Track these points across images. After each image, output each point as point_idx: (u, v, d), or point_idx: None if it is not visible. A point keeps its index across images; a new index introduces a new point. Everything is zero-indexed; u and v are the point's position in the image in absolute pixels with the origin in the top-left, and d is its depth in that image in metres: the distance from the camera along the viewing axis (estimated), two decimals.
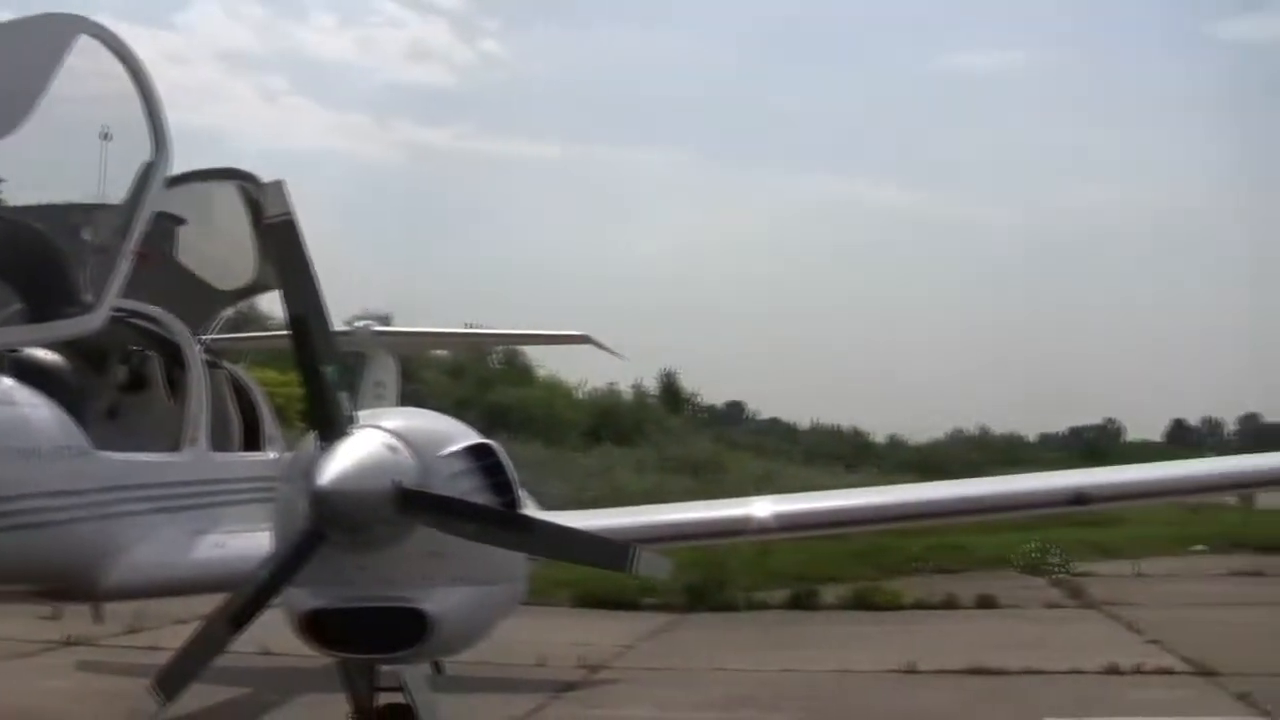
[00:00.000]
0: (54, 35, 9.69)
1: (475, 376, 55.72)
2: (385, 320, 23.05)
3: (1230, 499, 38.86)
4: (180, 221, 11.92)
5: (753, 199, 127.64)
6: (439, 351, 50.61)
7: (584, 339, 18.37)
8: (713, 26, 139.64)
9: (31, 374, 9.69)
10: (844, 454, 60.59)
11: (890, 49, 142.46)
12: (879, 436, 72.97)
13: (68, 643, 18.20)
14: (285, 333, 8.23)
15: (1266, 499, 42.68)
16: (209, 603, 10.18)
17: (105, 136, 9.99)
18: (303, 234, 8.15)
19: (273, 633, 8.70)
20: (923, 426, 75.94)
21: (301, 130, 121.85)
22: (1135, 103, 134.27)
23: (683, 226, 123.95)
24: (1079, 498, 10.24)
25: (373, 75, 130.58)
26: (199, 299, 12.90)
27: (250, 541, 9.39)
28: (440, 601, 8.11)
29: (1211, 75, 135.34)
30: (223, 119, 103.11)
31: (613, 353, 18.79)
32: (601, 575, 22.05)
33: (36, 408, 9.28)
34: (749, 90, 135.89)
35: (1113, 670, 17.62)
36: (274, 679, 15.91)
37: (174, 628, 17.65)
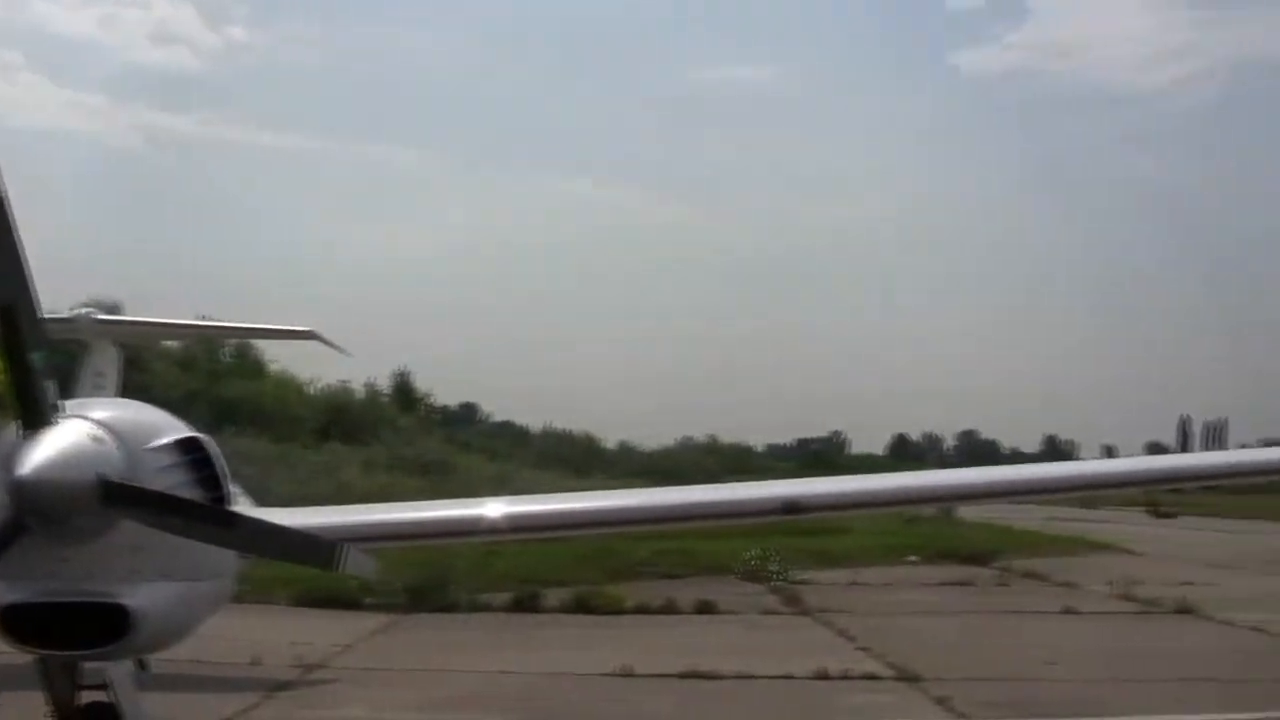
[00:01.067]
0: None
1: (205, 369, 54.62)
2: (113, 309, 22.52)
3: (930, 511, 40.38)
4: None
5: (499, 201, 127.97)
6: (170, 342, 49.51)
7: (310, 334, 18.19)
8: (468, 28, 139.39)
9: None
10: (575, 458, 60.96)
11: (644, 60, 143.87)
12: (610, 443, 73.60)
13: None
14: None
15: (966, 511, 44.53)
16: None
17: None
18: (11, 212, 7.91)
19: None
20: (654, 434, 76.96)
21: (34, 108, 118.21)
22: (872, 125, 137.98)
23: (426, 226, 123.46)
24: (790, 507, 10.49)
25: (114, 56, 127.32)
26: None
27: None
28: (143, 597, 7.96)
29: (946, 103, 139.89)
30: None
31: (338, 349, 18.65)
32: (322, 574, 21.91)
33: None
34: (501, 93, 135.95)
35: (821, 675, 18.07)
36: None
37: None
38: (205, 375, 52.83)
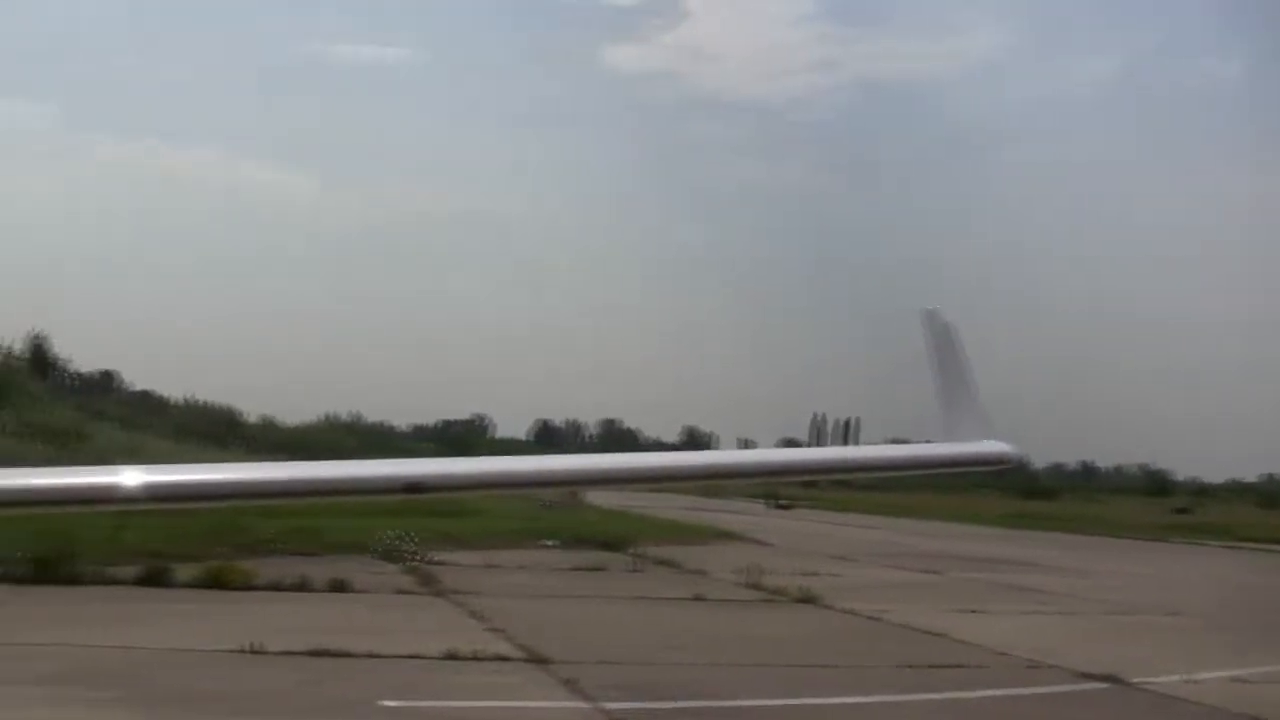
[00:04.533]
0: None
1: None
2: None
3: (559, 495, 40.96)
4: None
5: (135, 167, 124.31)
6: None
7: None
8: None
9: None
10: (215, 431, 59.81)
11: (271, 32, 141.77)
12: (252, 416, 72.39)
13: None
14: None
15: (607, 499, 45.38)
16: None
17: None
18: None
19: None
20: (297, 410, 76.05)
21: None
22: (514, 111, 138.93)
23: (43, 189, 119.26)
24: (412, 486, 10.57)
25: None
26: None
27: None
28: None
29: (589, 95, 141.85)
30: None
31: None
32: None
33: None
34: (137, 53, 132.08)
35: (451, 655, 18.17)
36: None
37: None
38: None
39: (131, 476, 9.74)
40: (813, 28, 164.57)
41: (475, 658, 18.29)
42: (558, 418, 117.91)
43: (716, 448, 76.65)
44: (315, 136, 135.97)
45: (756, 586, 29.14)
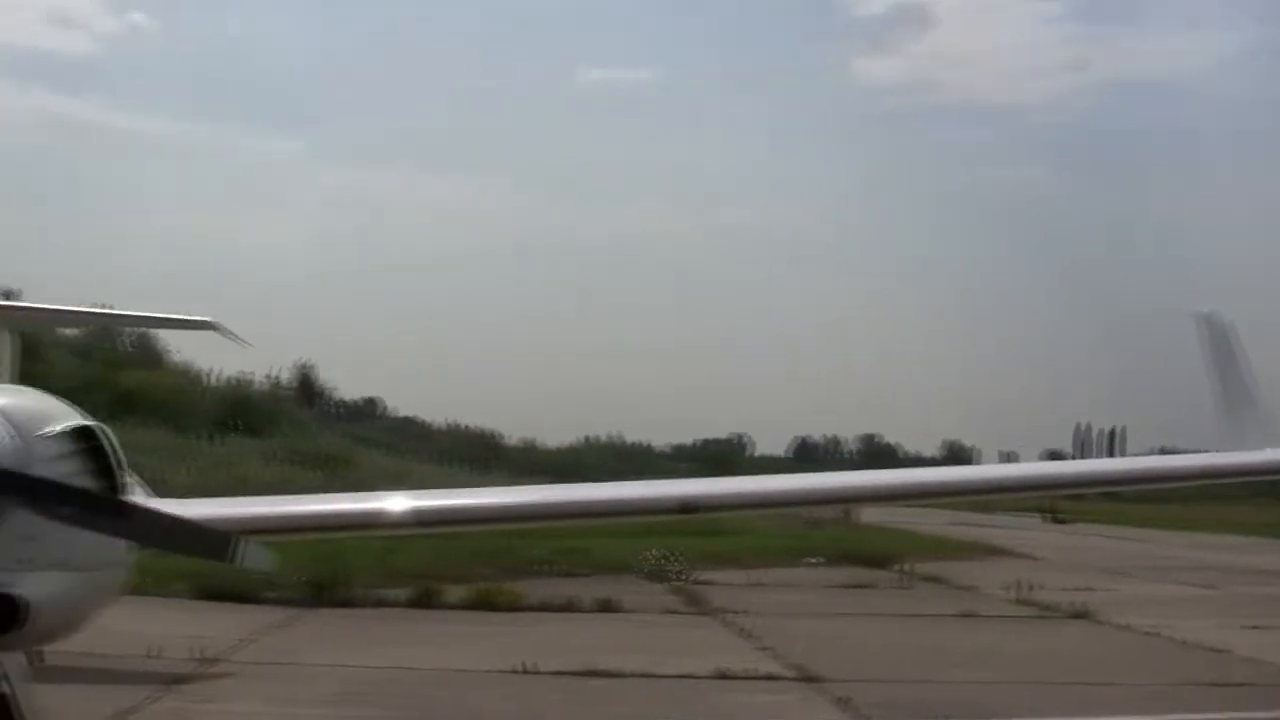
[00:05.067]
0: None
1: (103, 358, 53.93)
2: (9, 295, 22.13)
3: (831, 512, 40.55)
4: None
5: (382, 197, 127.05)
6: (68, 331, 48.87)
7: (208, 324, 17.98)
8: (347, 20, 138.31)
9: None
10: (476, 455, 60.66)
11: (529, 60, 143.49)
12: (513, 440, 73.30)
13: None
14: None
15: (880, 515, 44.80)
16: None
17: None
18: None
19: None
20: (557, 432, 76.81)
21: None
22: (765, 129, 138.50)
23: (316, 219, 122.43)
24: (686, 506, 10.52)
25: (8, 37, 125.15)
26: None
27: None
28: (36, 587, 7.82)
29: (839, 107, 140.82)
30: None
31: (239, 340, 18.44)
32: (222, 567, 21.68)
33: None
34: (377, 89, 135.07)
35: (723, 675, 18.07)
36: None
37: None
38: (103, 365, 52.15)
39: (398, 502, 9.84)
40: (1061, 28, 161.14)
41: (747, 677, 18.16)
42: (816, 434, 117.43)
43: (978, 462, 75.40)
44: (562, 160, 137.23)
45: (1028, 602, 28.54)
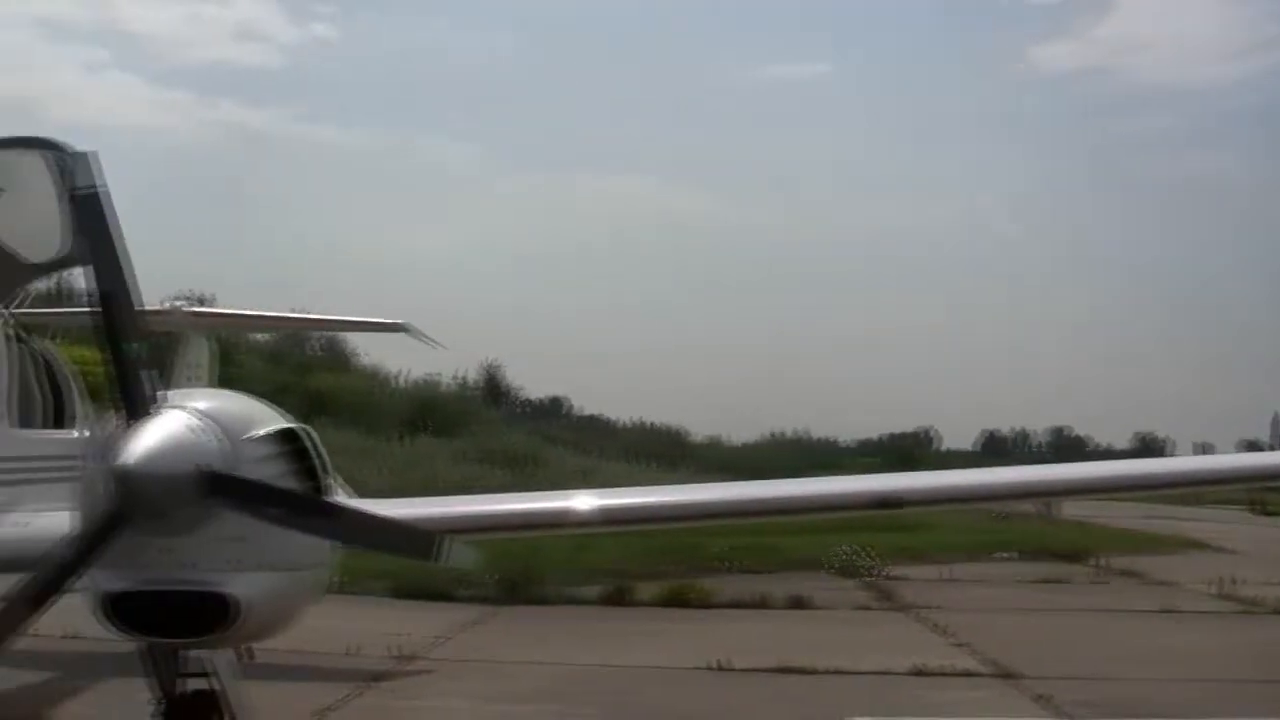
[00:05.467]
0: None
1: (293, 362, 55.01)
2: (205, 302, 22.67)
3: (1031, 507, 39.82)
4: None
5: (562, 199, 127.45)
6: (259, 336, 49.91)
7: (401, 327, 18.25)
8: (526, 21, 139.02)
9: None
10: (662, 453, 60.72)
11: (699, 58, 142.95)
12: (698, 437, 73.21)
13: None
14: (92, 308, 8.04)
15: (1071, 508, 43.96)
16: (4, 583, 9.93)
17: None
18: (113, 208, 7.97)
19: (80, 616, 8.45)
20: (741, 428, 76.55)
21: (122, 105, 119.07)
22: (940, 120, 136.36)
23: (497, 222, 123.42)
24: (887, 500, 10.38)
25: (197, 52, 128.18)
26: (3, 271, 12.55)
27: (54, 521, 9.14)
28: (245, 586, 7.97)
29: (1017, 98, 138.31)
30: (39, 89, 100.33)
31: (431, 342, 18.70)
32: (417, 565, 21.93)
33: None
34: (555, 89, 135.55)
35: (919, 671, 17.87)
36: (79, 663, 15.55)
37: None
38: (294, 368, 53.17)
39: (586, 501, 9.85)
40: (1249, 4, 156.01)
41: (943, 673, 17.94)
42: (1004, 426, 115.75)
43: (1172, 454, 73.77)
44: (741, 156, 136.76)
45: (1230, 597, 27.79)
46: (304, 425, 8.37)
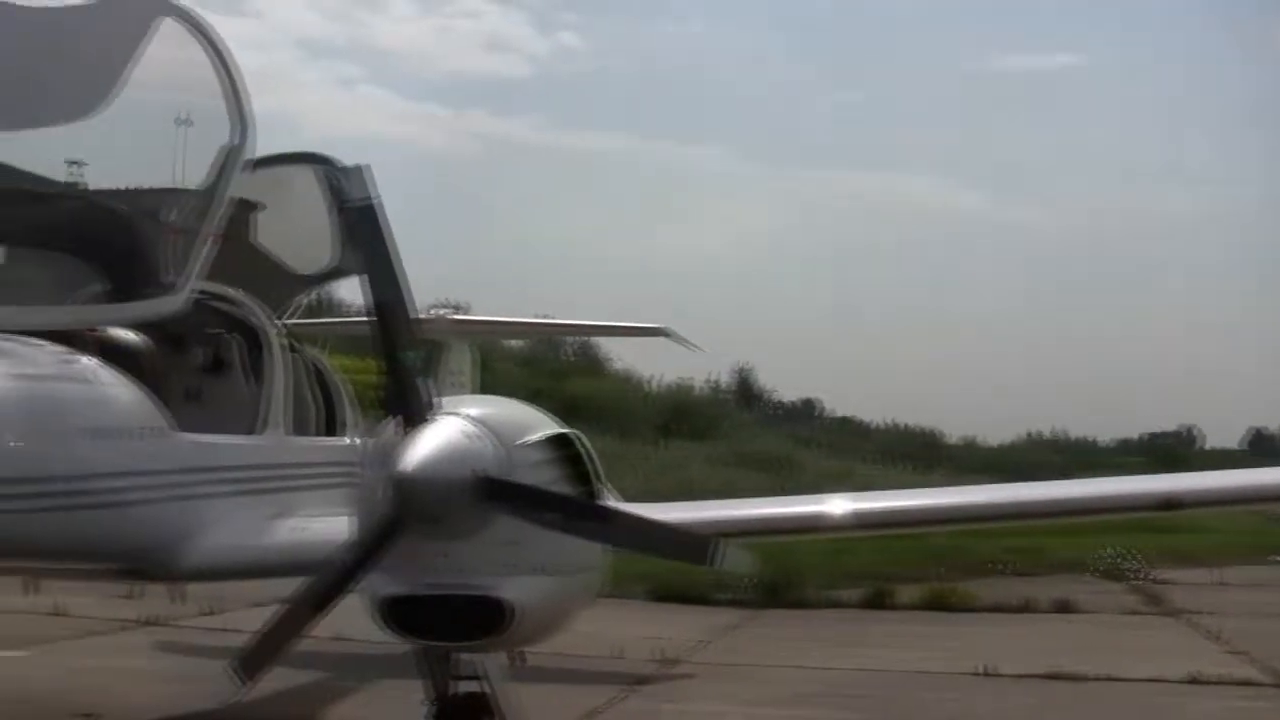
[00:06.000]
0: (136, 17, 9.71)
1: (547, 368, 55.72)
2: (461, 310, 22.98)
3: None
4: (259, 206, 11.88)
5: (813, 197, 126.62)
6: (512, 342, 50.70)
7: (661, 332, 18.30)
8: (770, 22, 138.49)
9: (113, 354, 9.69)
10: (917, 454, 60.04)
11: (943, 49, 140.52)
12: (953, 438, 72.29)
13: (144, 623, 18.27)
14: (366, 318, 8.20)
15: None
16: (284, 586, 10.18)
17: (182, 121, 10.00)
18: (386, 219, 8.12)
19: (348, 618, 8.62)
20: (996, 429, 75.34)
21: (375, 119, 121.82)
22: (1195, 109, 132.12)
23: (741, 223, 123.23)
24: (1170, 502, 10.04)
25: (448, 65, 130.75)
26: (278, 283, 12.89)
27: (330, 526, 9.35)
28: (520, 591, 8.04)
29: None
30: (297, 106, 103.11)
31: (691, 345, 18.73)
32: (677, 569, 21.99)
33: (118, 387, 9.28)
34: (803, 87, 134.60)
35: (1194, 679, 17.29)
36: (349, 665, 15.91)
37: (249, 611, 17.73)
38: (548, 374, 53.84)
39: (840, 505, 9.72)
40: None
41: (1220, 682, 17.32)
42: (1272, 424, 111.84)
43: None
44: (987, 149, 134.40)
45: None
46: (575, 430, 8.42)
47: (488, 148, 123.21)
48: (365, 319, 8.27)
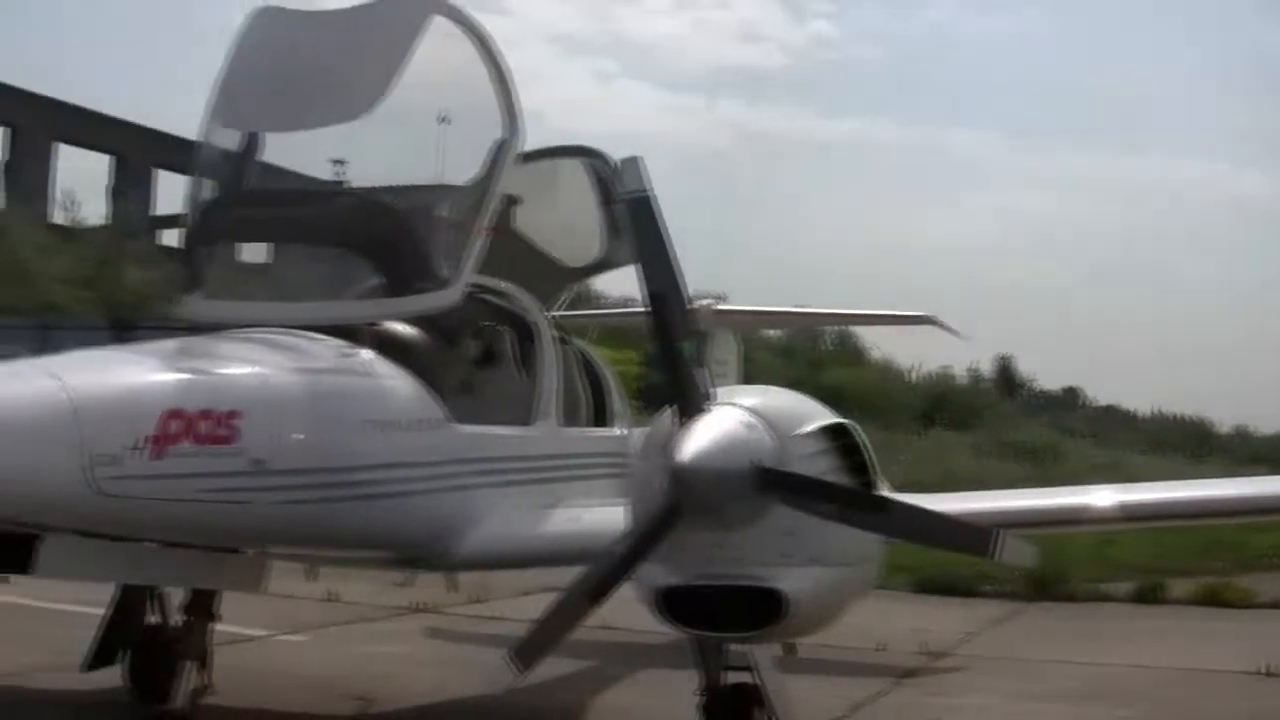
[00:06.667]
0: (410, 16, 9.92)
1: (806, 357, 55.65)
2: (721, 300, 23.04)
3: None
4: (529, 199, 12.05)
5: (1080, 182, 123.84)
6: (770, 332, 50.70)
7: (927, 320, 18.09)
8: (1024, 1, 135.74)
9: (391, 347, 9.93)
10: (1186, 444, 58.39)
11: (1233, 26, 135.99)
12: (1224, 427, 70.04)
13: (415, 609, 18.64)
14: (634, 310, 8.29)
15: None
16: (551, 574, 10.30)
17: (443, 120, 10.19)
18: (660, 210, 8.15)
19: (612, 608, 8.68)
20: (1269, 418, 72.83)
21: (631, 112, 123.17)
22: None
23: (1000, 208, 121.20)
24: None
25: (702, 57, 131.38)
26: (547, 275, 13.09)
27: (603, 516, 9.46)
28: (796, 582, 8.03)
29: None
30: (552, 101, 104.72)
31: (955, 333, 18.52)
32: (941, 560, 21.76)
33: (396, 380, 9.51)
34: (1069, 69, 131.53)
35: None
36: (615, 653, 16.03)
37: (516, 599, 18.02)
38: (806, 364, 53.74)
39: (1105, 497, 9.47)
40: None
41: None
42: None
43: None
44: (1265, 132, 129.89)
45: None
46: (850, 420, 8.36)
47: (744, 138, 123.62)
48: (627, 310, 8.37)
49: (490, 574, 15.21)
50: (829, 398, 8.92)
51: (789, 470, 7.75)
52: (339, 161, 10.83)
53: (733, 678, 9.72)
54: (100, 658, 11.77)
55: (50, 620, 15.64)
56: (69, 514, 7.73)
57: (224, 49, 10.33)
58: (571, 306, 14.74)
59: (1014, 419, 56.59)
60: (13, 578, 11.33)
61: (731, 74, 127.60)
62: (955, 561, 21.97)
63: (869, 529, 7.98)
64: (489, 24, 10.20)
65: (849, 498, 7.82)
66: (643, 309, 8.16)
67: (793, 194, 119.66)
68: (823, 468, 7.94)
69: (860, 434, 8.28)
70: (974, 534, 7.78)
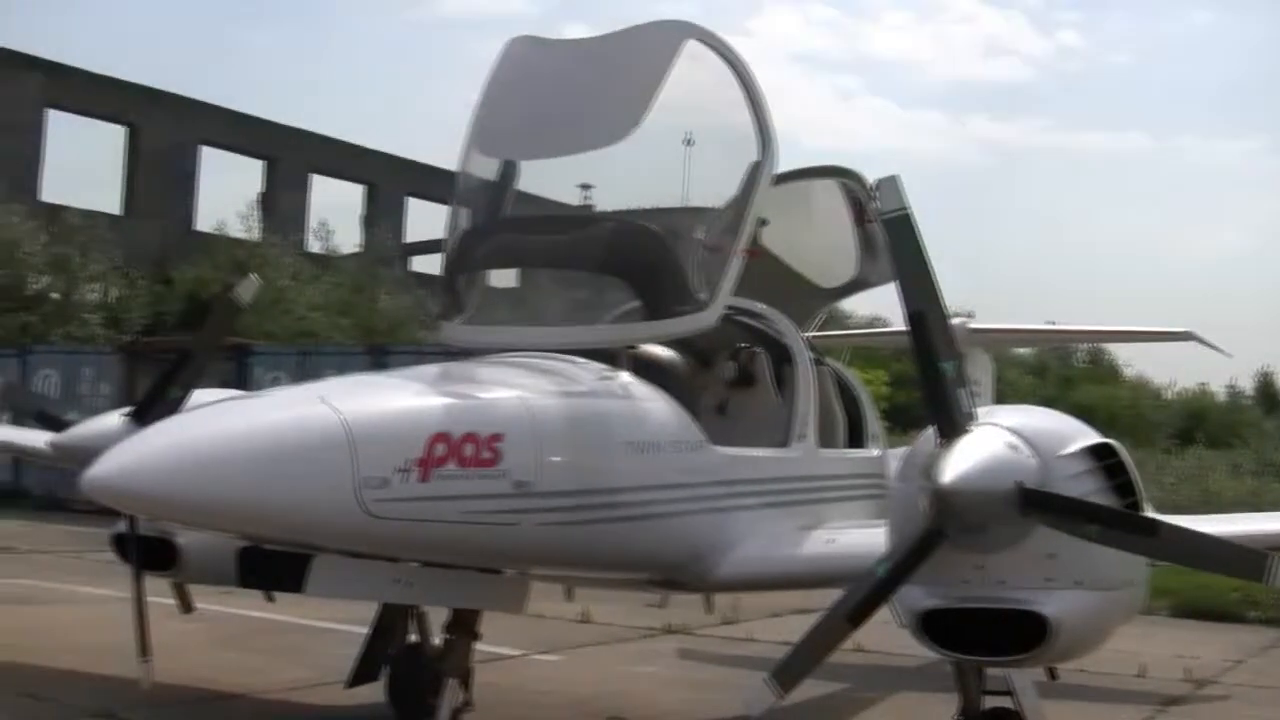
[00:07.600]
0: (664, 40, 10.03)
1: (1058, 375, 54.76)
2: (971, 317, 22.81)
3: None
4: (767, 222, 12.07)
5: None
6: (1019, 350, 50.03)
7: (1187, 335, 17.66)
8: None
9: (649, 370, 10.04)
10: None
11: None
12: None
13: (667, 631, 18.75)
14: (892, 330, 8.27)
15: None
16: (803, 596, 10.30)
17: (689, 142, 10.27)
18: (919, 229, 8.12)
19: (865, 630, 8.62)
20: None
21: (874, 128, 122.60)
22: None
23: (1268, 219, 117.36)
24: None
25: (945, 72, 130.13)
26: (802, 296, 13.11)
27: (860, 538, 9.43)
28: (1059, 605, 7.91)
29: None
30: (794, 119, 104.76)
31: (1218, 349, 18.02)
32: (1203, 584, 21.20)
33: (655, 402, 9.59)
34: None
35: None
36: (869, 676, 15.94)
37: (768, 621, 18.03)
38: (1058, 382, 52.85)
39: None
40: None
41: None
42: None
43: None
44: None
45: None
46: (1115, 440, 8.22)
47: (990, 153, 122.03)
48: (878, 330, 8.35)
49: (742, 595, 15.24)
50: (1079, 417, 8.77)
51: (1053, 491, 7.68)
52: (586, 186, 10.98)
53: (991, 702, 9.60)
54: (362, 675, 12.11)
55: (314, 637, 16.17)
56: (339, 535, 7.94)
57: (475, 83, 10.56)
58: (822, 327, 14.76)
59: (1277, 438, 54.84)
60: (277, 596, 11.80)
61: (977, 88, 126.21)
62: (1220, 586, 21.40)
63: (1137, 551, 7.81)
64: (734, 45, 10.29)
65: (1116, 519, 7.68)
66: (896, 329, 8.16)
67: (1044, 209, 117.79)
68: (1088, 488, 7.80)
69: (1124, 453, 8.12)
70: (1247, 557, 7.56)
